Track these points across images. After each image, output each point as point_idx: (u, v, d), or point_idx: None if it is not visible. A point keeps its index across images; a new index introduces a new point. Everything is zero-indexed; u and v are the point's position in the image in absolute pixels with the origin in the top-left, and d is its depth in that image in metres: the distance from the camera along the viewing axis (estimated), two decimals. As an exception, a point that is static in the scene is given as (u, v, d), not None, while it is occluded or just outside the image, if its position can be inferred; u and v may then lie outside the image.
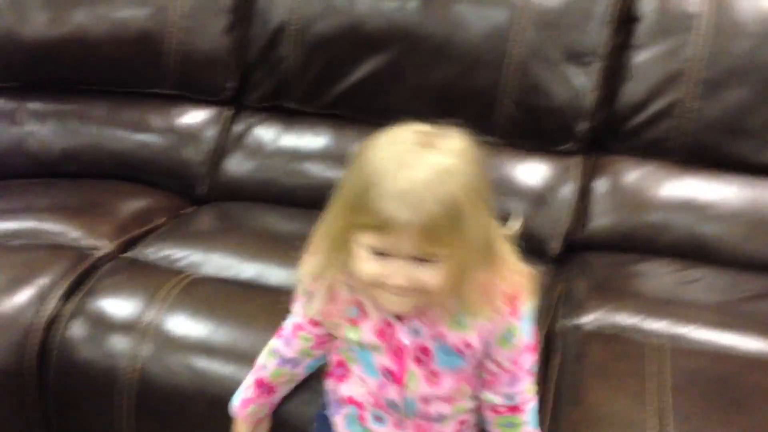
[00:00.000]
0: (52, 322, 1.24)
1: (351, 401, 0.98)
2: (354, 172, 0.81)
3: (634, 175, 1.51)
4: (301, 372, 1.05)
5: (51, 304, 1.25)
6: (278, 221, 1.53)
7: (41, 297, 1.26)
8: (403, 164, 0.77)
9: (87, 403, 1.21)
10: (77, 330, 1.22)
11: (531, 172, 1.54)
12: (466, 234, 0.78)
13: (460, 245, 0.78)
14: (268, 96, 1.67)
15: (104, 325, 1.22)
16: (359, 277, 0.82)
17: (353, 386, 0.98)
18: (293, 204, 1.58)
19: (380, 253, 0.79)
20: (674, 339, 1.21)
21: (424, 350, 0.90)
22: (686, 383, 1.10)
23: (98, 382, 1.19)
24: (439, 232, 0.76)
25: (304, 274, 0.92)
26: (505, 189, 1.52)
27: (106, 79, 1.68)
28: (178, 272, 1.32)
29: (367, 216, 0.77)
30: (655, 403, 1.05)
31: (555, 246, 1.49)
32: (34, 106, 1.70)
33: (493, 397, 0.93)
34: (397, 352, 0.91)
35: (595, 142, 1.55)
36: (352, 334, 0.92)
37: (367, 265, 0.81)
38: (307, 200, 1.58)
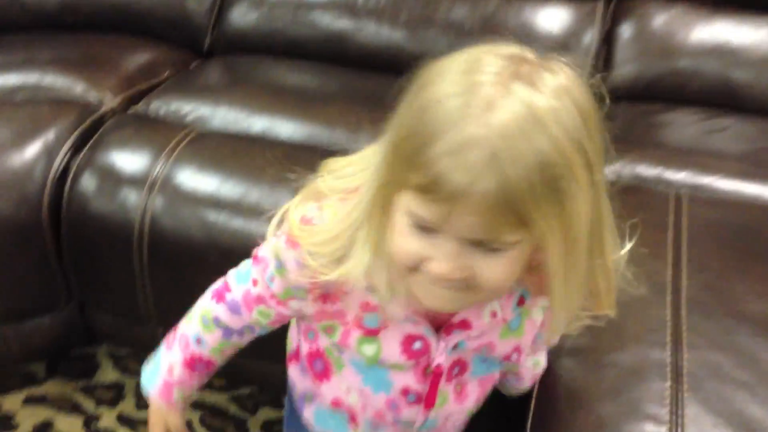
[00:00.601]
0: (62, 177, 1.23)
1: (338, 404, 0.76)
2: (409, 106, 0.57)
3: (662, 18, 1.43)
4: (251, 338, 0.79)
5: (59, 159, 1.24)
6: (286, 74, 1.48)
7: (49, 151, 1.24)
8: (480, 100, 0.53)
9: (102, 256, 1.22)
10: (87, 184, 1.21)
11: (552, 17, 1.45)
12: (562, 215, 0.54)
13: (548, 231, 0.54)
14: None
15: (113, 178, 1.20)
16: (393, 256, 0.59)
17: (341, 391, 0.75)
18: (302, 56, 1.52)
19: (426, 228, 0.56)
20: (696, 189, 1.17)
21: (460, 364, 0.71)
22: (705, 233, 1.07)
23: (111, 235, 1.19)
24: (519, 209, 0.52)
25: (314, 251, 0.63)
26: (525, 36, 1.43)
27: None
28: (185, 126, 1.29)
29: (413, 170, 0.54)
30: (671, 253, 1.03)
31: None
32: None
33: (538, 359, 0.82)
34: (428, 371, 0.70)
35: (622, -16, 1.46)
36: (367, 349, 0.69)
37: (404, 241, 0.57)
38: (315, 52, 1.52)
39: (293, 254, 0.66)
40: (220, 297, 0.76)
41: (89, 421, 1.33)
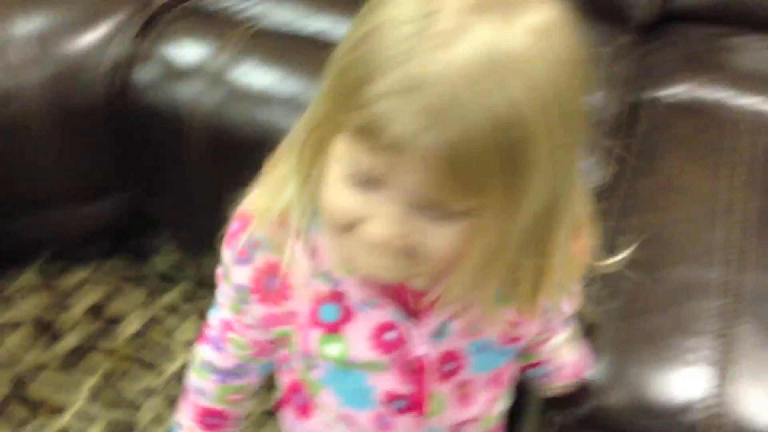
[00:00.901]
0: (119, 67, 1.23)
1: None
2: (355, 30, 0.47)
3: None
4: (255, 380, 0.70)
5: (117, 49, 1.24)
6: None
7: (106, 42, 1.24)
8: (435, 34, 0.43)
9: (157, 146, 1.23)
10: (143, 75, 1.22)
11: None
12: (527, 182, 0.44)
13: (508, 199, 0.45)
14: None
15: (169, 71, 1.21)
16: (326, 214, 0.51)
17: (325, 426, 0.67)
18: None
19: (365, 182, 0.47)
20: (758, 116, 1.14)
21: (453, 356, 0.60)
22: (764, 161, 1.06)
23: (166, 126, 1.20)
24: (474, 170, 0.43)
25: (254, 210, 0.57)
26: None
27: None
28: (242, 22, 1.28)
29: (351, 108, 0.45)
30: (729, 178, 1.02)
31: (645, 16, 1.37)
32: None
33: (561, 336, 0.71)
34: (410, 367, 0.60)
35: None
36: (331, 349, 0.59)
37: (339, 195, 0.48)
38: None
39: (231, 246, 0.60)
40: (204, 337, 0.68)
41: (151, 296, 1.39)
